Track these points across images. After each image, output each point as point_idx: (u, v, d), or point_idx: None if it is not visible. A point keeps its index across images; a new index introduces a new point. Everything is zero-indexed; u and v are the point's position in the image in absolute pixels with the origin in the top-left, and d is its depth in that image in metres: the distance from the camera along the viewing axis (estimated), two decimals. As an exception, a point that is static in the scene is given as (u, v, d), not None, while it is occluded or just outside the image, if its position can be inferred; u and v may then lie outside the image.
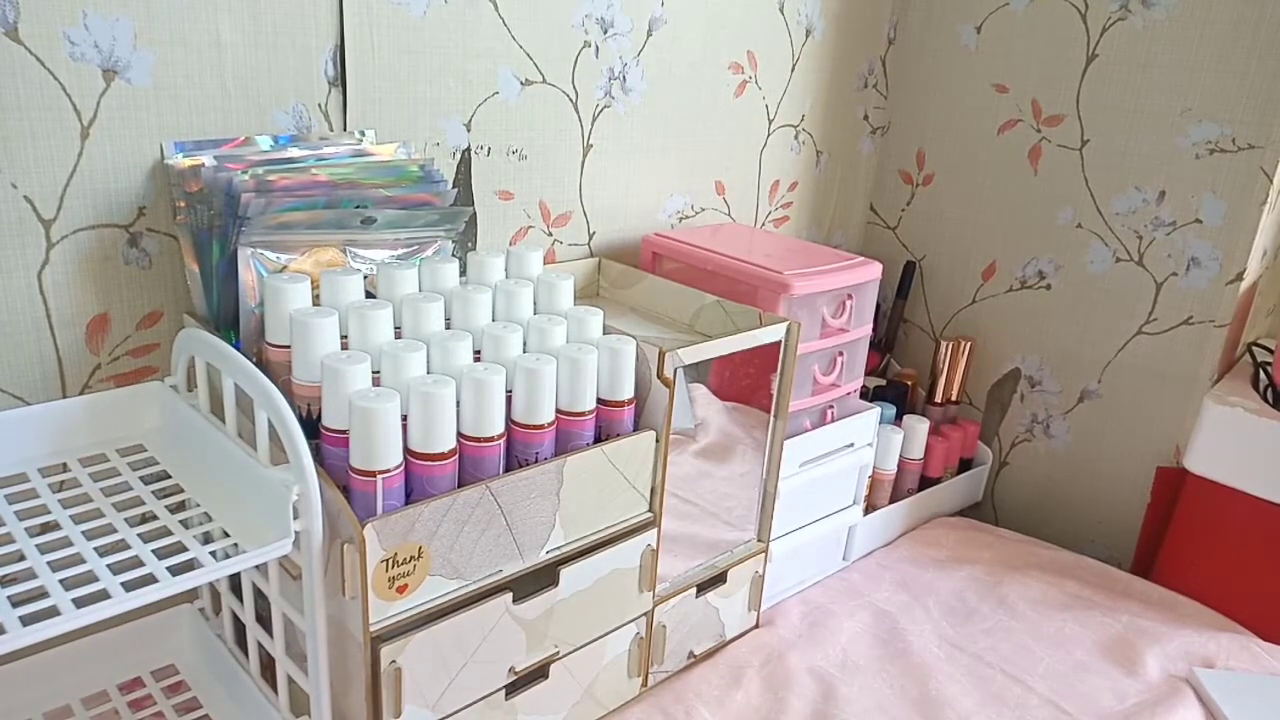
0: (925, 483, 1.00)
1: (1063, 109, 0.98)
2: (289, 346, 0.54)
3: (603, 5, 0.79)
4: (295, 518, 0.48)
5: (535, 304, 0.64)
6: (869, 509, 0.92)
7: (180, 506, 0.53)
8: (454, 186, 0.66)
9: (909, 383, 1.05)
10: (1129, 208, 0.95)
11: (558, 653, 0.61)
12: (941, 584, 0.89)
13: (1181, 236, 0.92)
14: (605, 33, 0.80)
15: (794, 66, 0.98)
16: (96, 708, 0.60)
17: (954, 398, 1.06)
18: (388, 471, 0.50)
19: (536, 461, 0.57)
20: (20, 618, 0.40)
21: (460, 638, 0.55)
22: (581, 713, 0.65)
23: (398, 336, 0.56)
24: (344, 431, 0.51)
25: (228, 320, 0.58)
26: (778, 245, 0.93)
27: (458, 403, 0.53)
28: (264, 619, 0.57)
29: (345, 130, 0.67)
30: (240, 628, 0.60)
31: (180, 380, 0.58)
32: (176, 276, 0.62)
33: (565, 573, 0.59)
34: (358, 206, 0.59)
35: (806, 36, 0.98)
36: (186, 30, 0.58)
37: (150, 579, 0.44)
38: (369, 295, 0.58)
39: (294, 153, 0.62)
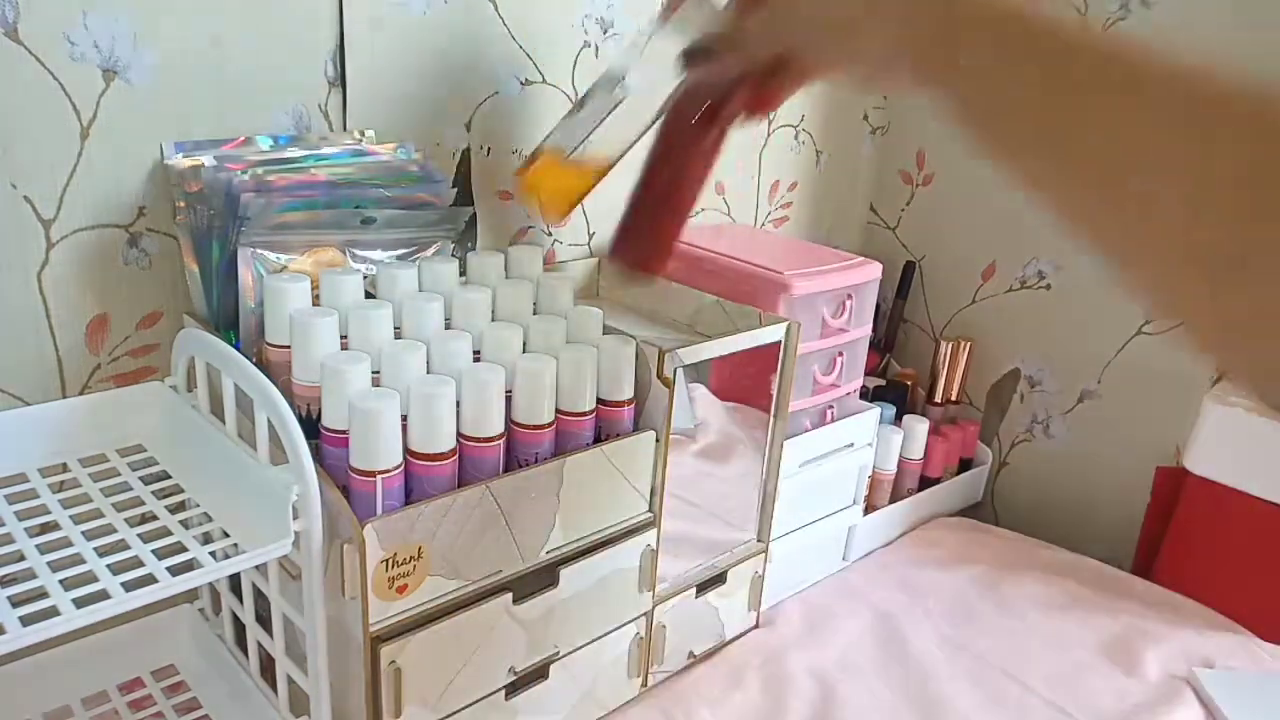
0: (925, 483, 1.00)
1: (1063, 109, 0.98)
2: (289, 347, 0.54)
3: (602, 5, 0.79)
4: (295, 518, 0.48)
5: (535, 304, 0.64)
6: (869, 509, 0.92)
7: (180, 506, 0.53)
8: (454, 186, 0.66)
9: (909, 383, 1.05)
10: (1129, 208, 0.95)
11: (557, 653, 0.61)
12: (941, 584, 0.88)
13: (1181, 236, 0.92)
14: (605, 33, 0.80)
15: (794, 67, 0.98)
16: (96, 708, 0.60)
17: (954, 398, 1.06)
18: (387, 472, 0.50)
19: (536, 462, 0.57)
20: (20, 618, 0.40)
21: (460, 638, 0.55)
22: (581, 713, 0.65)
23: (397, 337, 0.56)
24: (344, 432, 0.51)
25: (227, 320, 0.58)
26: (777, 245, 0.93)
27: (457, 403, 0.53)
28: (264, 619, 0.57)
29: (345, 130, 0.67)
30: (240, 628, 0.60)
31: (180, 380, 0.58)
32: (176, 276, 0.62)
33: (565, 573, 0.59)
34: (357, 206, 0.59)
35: (806, 37, 0.98)
36: (186, 30, 0.58)
37: (150, 579, 0.44)
38: (369, 295, 0.58)
39: (294, 153, 0.61)
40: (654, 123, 0.62)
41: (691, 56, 0.54)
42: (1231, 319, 0.31)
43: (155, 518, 0.51)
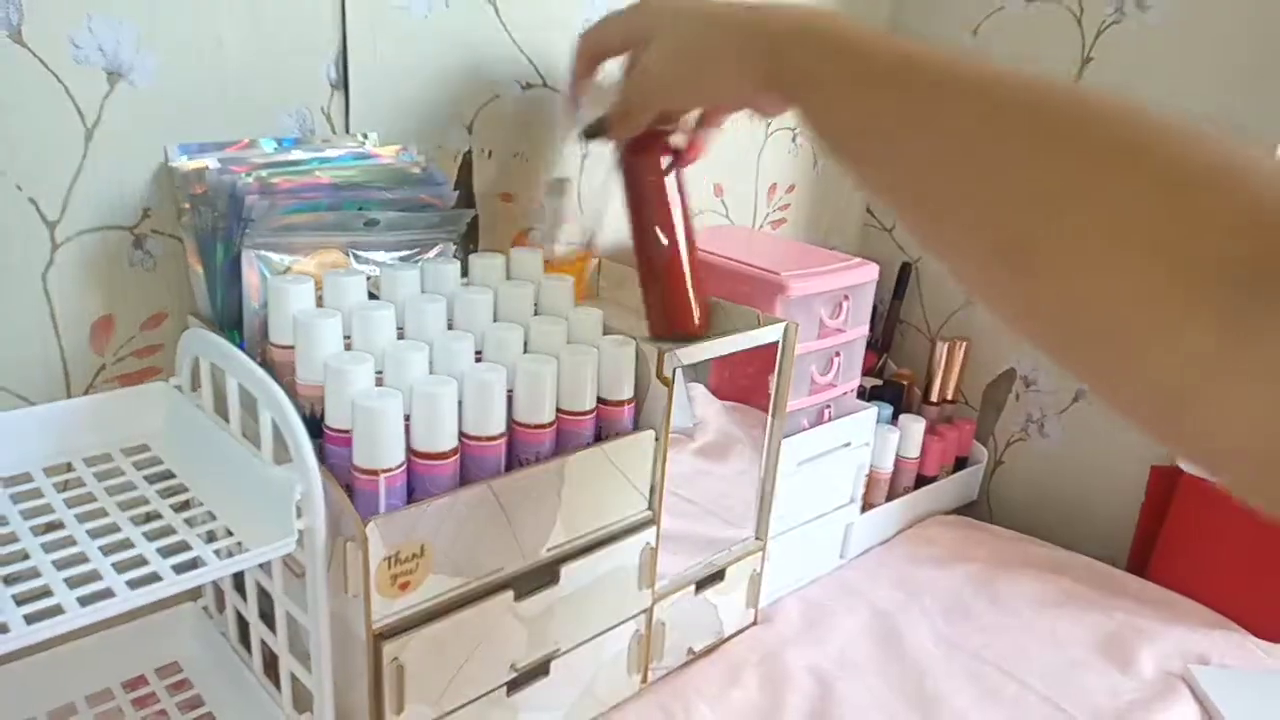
0: (921, 481, 1.01)
1: (1058, 111, 0.98)
2: (292, 347, 0.54)
3: (602, 9, 0.79)
4: (299, 516, 0.48)
5: (536, 305, 0.64)
6: (866, 507, 0.93)
7: (184, 505, 0.53)
8: (456, 188, 0.66)
9: (905, 383, 1.05)
10: (1124, 209, 0.96)
11: (558, 650, 0.62)
12: (938, 582, 0.89)
13: (1175, 237, 0.93)
14: (604, 35, 0.80)
15: (791, 68, 0.99)
16: (100, 705, 0.60)
17: (950, 397, 1.07)
18: (390, 470, 0.51)
19: (537, 461, 0.57)
20: (25, 616, 0.41)
21: (462, 635, 0.55)
22: (581, 709, 0.66)
23: (400, 337, 0.57)
24: (347, 431, 0.51)
25: (231, 321, 0.59)
26: (775, 247, 0.94)
27: (459, 403, 0.53)
28: (267, 617, 0.57)
29: (348, 133, 0.67)
30: (244, 625, 0.61)
31: (184, 380, 0.59)
32: (181, 278, 0.62)
33: (566, 570, 0.60)
34: (360, 208, 0.60)
35: (804, 39, 0.99)
36: (190, 33, 0.58)
37: (154, 577, 0.45)
38: (372, 296, 0.59)
39: (297, 155, 0.62)
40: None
41: (590, 134, 0.62)
42: (1029, 303, 0.34)
43: (159, 516, 0.51)
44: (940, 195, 0.37)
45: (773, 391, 0.72)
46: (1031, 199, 0.32)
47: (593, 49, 0.61)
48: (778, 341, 0.70)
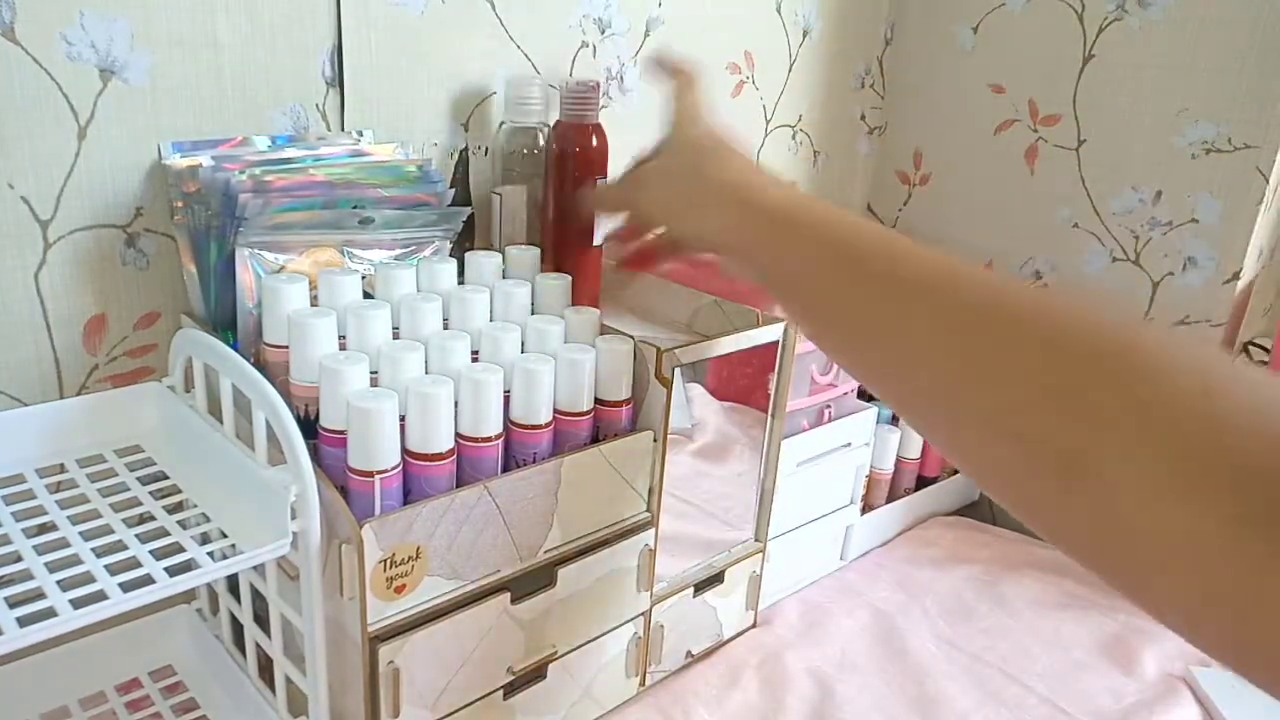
0: (922, 482, 1.00)
1: (1059, 109, 0.98)
2: (287, 347, 0.54)
3: (600, 5, 0.79)
4: (293, 518, 0.48)
5: (533, 304, 0.64)
6: (866, 508, 0.93)
7: (178, 507, 0.53)
8: (451, 186, 0.66)
9: (906, 382, 1.05)
10: (1125, 207, 0.95)
11: (555, 653, 0.61)
12: (939, 583, 0.89)
13: (1178, 236, 0.93)
14: (603, 33, 0.80)
15: (791, 67, 0.98)
16: (94, 709, 0.60)
17: (951, 397, 1.06)
18: (385, 472, 0.50)
19: (534, 461, 0.57)
20: (18, 619, 0.40)
21: (458, 638, 0.55)
22: (579, 713, 0.65)
23: (396, 337, 0.56)
24: (342, 432, 0.51)
25: (225, 321, 0.58)
26: (775, 245, 0.93)
27: (455, 403, 0.53)
28: (262, 619, 0.57)
29: (343, 130, 0.67)
30: (238, 628, 0.60)
31: (178, 381, 0.58)
32: (174, 277, 0.62)
33: (563, 573, 0.59)
34: (355, 207, 0.59)
35: (804, 37, 0.98)
36: (184, 30, 0.58)
37: (148, 580, 0.44)
38: (367, 295, 0.58)
39: (291, 153, 0.61)
40: None
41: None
42: (1075, 518, 0.34)
43: (153, 518, 0.51)
44: (967, 406, 0.37)
45: (772, 391, 0.72)
46: (1078, 413, 0.32)
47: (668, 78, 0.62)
48: (778, 341, 0.70)
